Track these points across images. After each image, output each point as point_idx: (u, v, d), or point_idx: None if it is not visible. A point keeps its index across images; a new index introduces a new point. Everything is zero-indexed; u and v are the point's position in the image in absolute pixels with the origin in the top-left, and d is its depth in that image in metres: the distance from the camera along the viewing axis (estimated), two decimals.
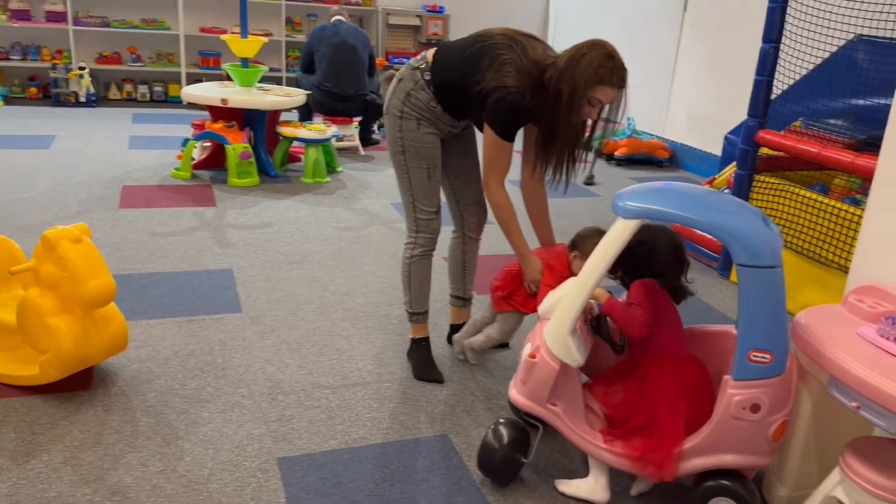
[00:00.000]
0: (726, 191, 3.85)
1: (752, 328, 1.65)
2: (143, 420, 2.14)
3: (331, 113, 5.64)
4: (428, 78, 2.29)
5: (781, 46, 3.28)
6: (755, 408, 1.69)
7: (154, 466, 1.94)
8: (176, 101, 7.21)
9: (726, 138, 4.86)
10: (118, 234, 3.61)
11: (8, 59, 6.95)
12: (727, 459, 1.76)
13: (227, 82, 5.27)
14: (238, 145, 4.58)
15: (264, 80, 5.20)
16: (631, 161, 6.08)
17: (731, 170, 3.93)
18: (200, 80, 6.10)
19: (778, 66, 3.30)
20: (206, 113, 5.04)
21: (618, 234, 1.71)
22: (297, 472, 1.96)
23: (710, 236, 1.67)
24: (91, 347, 2.22)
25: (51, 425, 2.08)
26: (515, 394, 1.90)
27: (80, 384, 2.27)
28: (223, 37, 5.01)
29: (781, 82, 3.37)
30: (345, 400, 2.31)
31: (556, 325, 1.81)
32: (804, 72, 3.38)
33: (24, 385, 2.23)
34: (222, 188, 4.56)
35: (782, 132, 3.36)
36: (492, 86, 2.15)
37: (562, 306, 1.82)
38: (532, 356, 1.84)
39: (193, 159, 4.82)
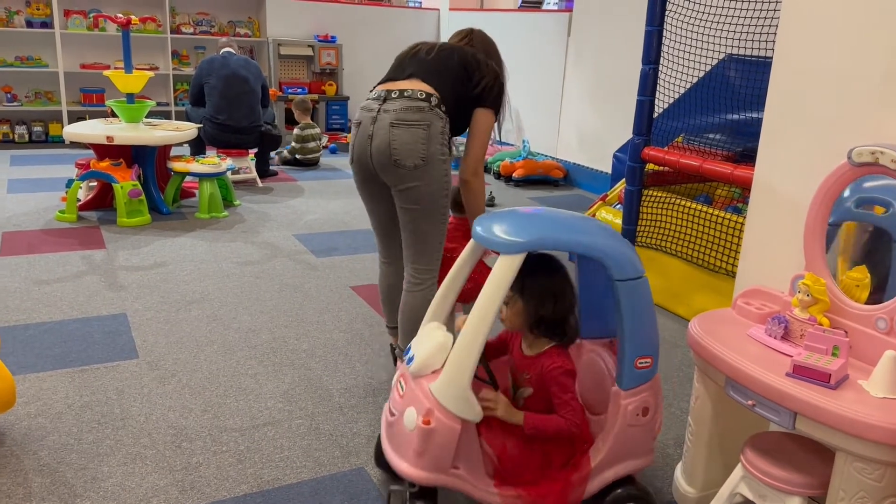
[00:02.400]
0: (618, 206, 4.01)
1: (635, 337, 1.70)
2: (36, 480, 1.99)
3: (225, 145, 5.52)
4: (444, 108, 2.29)
5: (660, 67, 3.46)
6: (645, 411, 1.76)
7: None
8: (58, 141, 6.87)
9: (615, 156, 5.07)
10: (0, 284, 3.38)
11: None
12: (628, 467, 1.81)
13: (112, 119, 5.06)
14: (126, 183, 4.39)
15: (152, 114, 5.03)
16: (528, 181, 6.24)
17: (621, 186, 4.09)
18: (84, 118, 5.84)
19: (658, 85, 3.48)
20: (91, 152, 4.82)
21: (504, 272, 1.61)
22: None
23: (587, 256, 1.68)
24: None
25: None
26: (409, 468, 1.68)
27: None
28: (106, 73, 4.82)
29: (662, 101, 3.55)
30: (254, 441, 2.23)
31: (452, 380, 1.65)
32: (682, 90, 3.57)
33: None
34: (111, 229, 4.35)
35: (666, 148, 3.53)
36: (491, 78, 2.41)
37: (456, 358, 1.65)
38: (426, 422, 1.64)
39: (79, 200, 4.60)
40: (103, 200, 4.69)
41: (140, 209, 4.48)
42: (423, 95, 2.26)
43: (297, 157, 6.49)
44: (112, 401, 2.42)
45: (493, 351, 1.94)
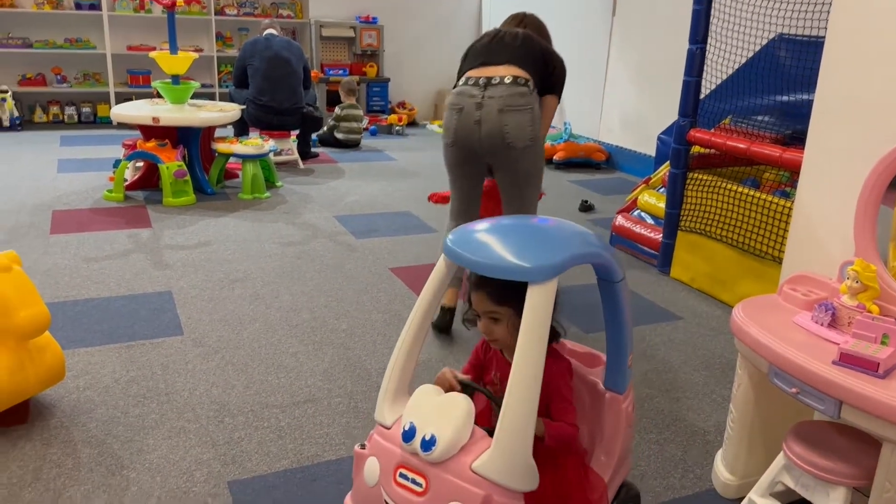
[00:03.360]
0: (661, 190, 3.95)
1: (628, 336, 1.60)
2: (84, 451, 2.06)
3: (267, 127, 5.58)
4: (536, 90, 2.61)
5: (707, 47, 3.39)
6: (633, 408, 1.69)
7: (99, 499, 1.87)
8: (106, 122, 7.02)
9: (659, 138, 4.99)
10: (50, 261, 3.48)
11: None
12: (625, 470, 1.71)
13: (158, 100, 5.16)
14: (172, 164, 4.48)
15: (197, 96, 5.11)
16: (569, 164, 6.18)
17: (665, 169, 4.03)
18: (130, 99, 5.96)
19: (705, 66, 3.41)
20: (138, 132, 4.92)
21: (541, 304, 1.31)
22: (249, 494, 1.92)
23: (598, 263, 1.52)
24: (26, 380, 2.13)
25: None
26: (349, 500, 1.49)
27: (16, 418, 2.18)
28: (152, 54, 4.90)
29: (709, 82, 3.48)
30: (295, 418, 2.27)
31: (512, 450, 1.30)
32: (730, 71, 3.49)
33: None
34: (157, 208, 4.45)
35: (712, 130, 3.46)
36: (561, 67, 2.67)
37: (512, 421, 1.30)
38: (363, 447, 1.42)
39: (126, 180, 4.70)
40: (149, 180, 4.79)
41: (185, 189, 4.56)
42: (523, 81, 2.53)
43: (339, 137, 6.54)
44: (157, 376, 2.49)
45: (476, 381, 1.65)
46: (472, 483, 1.29)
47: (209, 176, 4.92)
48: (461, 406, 1.36)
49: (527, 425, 1.29)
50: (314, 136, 6.36)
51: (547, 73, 2.66)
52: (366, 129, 7.21)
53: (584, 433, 1.67)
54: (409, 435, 1.35)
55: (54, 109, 7.09)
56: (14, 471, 1.96)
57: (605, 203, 5.06)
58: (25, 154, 5.73)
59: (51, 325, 2.18)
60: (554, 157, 6.17)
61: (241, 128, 5.60)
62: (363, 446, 1.46)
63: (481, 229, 1.45)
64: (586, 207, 4.87)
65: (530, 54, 2.61)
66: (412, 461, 1.35)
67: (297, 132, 5.93)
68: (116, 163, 4.74)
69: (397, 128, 7.49)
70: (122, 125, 5.46)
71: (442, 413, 1.36)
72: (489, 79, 2.55)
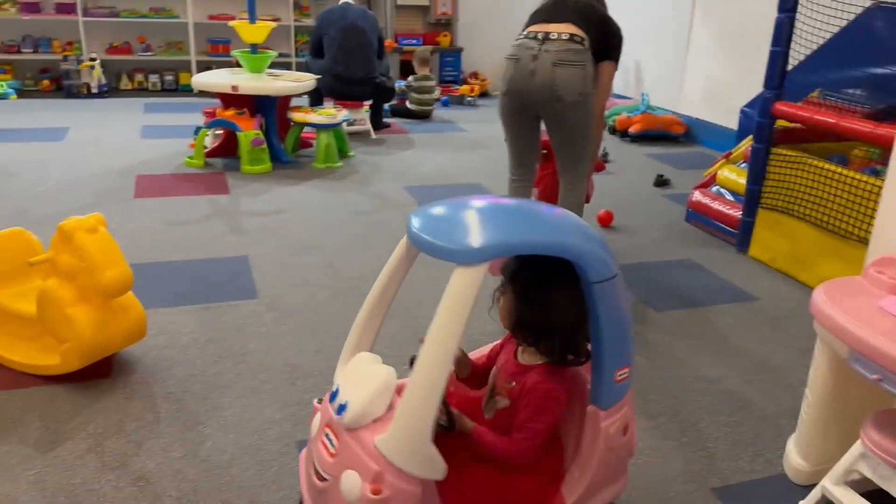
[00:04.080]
0: (742, 165, 3.82)
1: (617, 346, 1.43)
2: (163, 406, 2.16)
3: (341, 97, 5.63)
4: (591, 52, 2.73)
5: (797, 16, 3.23)
6: (625, 429, 1.51)
7: (176, 452, 1.96)
8: (187, 90, 7.22)
9: (742, 111, 4.80)
10: (133, 224, 3.64)
11: (19, 52, 6.99)
12: (605, 497, 1.55)
13: (237, 69, 5.27)
14: (249, 132, 4.58)
15: (274, 65, 5.19)
16: (645, 137, 6.03)
17: (747, 143, 3.89)
18: (210, 68, 6.10)
19: (794, 36, 3.25)
20: (217, 101, 5.05)
21: (464, 289, 1.27)
22: None
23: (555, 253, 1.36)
24: (110, 336, 2.25)
25: (73, 414, 2.11)
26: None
27: (100, 372, 2.30)
28: (231, 23, 5.01)
29: (798, 52, 3.32)
30: None
31: (407, 434, 1.28)
32: (821, 41, 3.32)
33: (46, 374, 2.26)
34: (235, 175, 4.57)
35: (799, 103, 3.31)
36: (618, 34, 2.81)
37: (412, 403, 1.28)
38: (375, 491, 1.28)
39: (206, 147, 4.84)
40: (228, 148, 4.92)
41: (262, 157, 4.67)
42: (579, 39, 2.69)
43: (410, 107, 6.55)
44: (233, 337, 2.58)
45: (481, 368, 1.64)
46: (371, 457, 1.30)
47: (285, 145, 5.02)
48: (379, 379, 1.38)
49: (426, 409, 1.27)
50: (386, 106, 6.39)
51: (604, 39, 2.79)
52: (438, 100, 7.20)
53: (569, 448, 1.56)
54: (332, 397, 1.42)
55: (139, 77, 7.34)
56: (98, 422, 2.08)
57: (681, 178, 4.92)
58: (112, 120, 5.97)
59: (133, 285, 2.28)
60: (630, 130, 6.02)
61: (315, 97, 5.68)
62: (320, 401, 1.52)
63: (447, 206, 1.41)
64: (662, 182, 4.75)
65: (590, 18, 2.76)
66: (334, 422, 1.39)
67: (369, 102, 5.97)
68: (197, 130, 4.88)
69: (469, 98, 7.45)
70: (202, 93, 5.59)
71: (362, 383, 1.39)
72: (547, 34, 2.70)
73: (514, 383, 1.50)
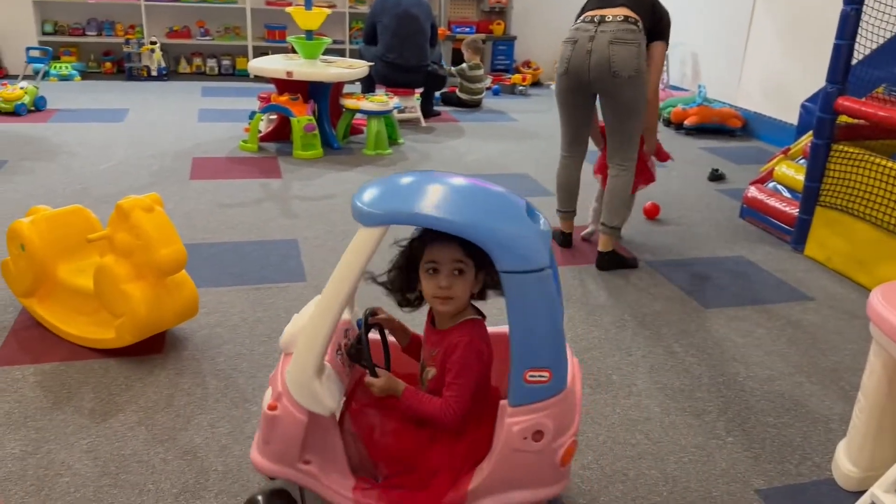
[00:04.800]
0: (801, 161, 3.71)
1: (526, 344, 1.40)
2: (212, 383, 2.22)
3: (393, 84, 5.65)
4: (644, 32, 2.92)
5: (864, 8, 3.11)
6: (538, 435, 1.45)
7: (223, 428, 2.01)
8: (243, 75, 7.34)
9: (803, 106, 4.66)
10: (189, 205, 3.72)
11: (84, 35, 7.20)
12: (514, 498, 1.51)
13: (292, 55, 5.33)
14: (302, 118, 4.64)
15: (328, 52, 5.24)
16: (701, 130, 5.91)
17: (807, 139, 3.77)
18: (266, 53, 6.20)
19: (860, 29, 3.14)
20: (272, 86, 5.12)
21: (359, 247, 1.39)
22: None
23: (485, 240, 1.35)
24: (163, 313, 2.31)
25: (126, 387, 2.18)
26: (258, 456, 1.55)
27: (153, 348, 2.37)
28: (288, 9, 5.06)
29: (863, 47, 3.20)
30: None
31: (297, 366, 1.45)
32: (888, 35, 3.19)
33: (101, 348, 2.34)
34: (287, 160, 4.64)
35: (863, 99, 3.20)
36: (667, 15, 3.01)
37: (302, 341, 1.45)
38: (271, 407, 1.48)
39: (260, 132, 4.91)
40: (282, 133, 4.98)
41: (313, 143, 4.72)
42: (633, 21, 2.87)
43: (461, 96, 6.54)
44: (282, 318, 2.62)
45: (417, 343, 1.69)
46: (280, 379, 1.50)
47: (336, 131, 5.07)
48: (307, 312, 1.56)
49: (309, 350, 1.43)
50: (437, 94, 6.39)
51: (655, 21, 2.96)
52: (488, 89, 7.17)
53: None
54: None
55: (197, 61, 7.48)
56: (150, 396, 2.14)
57: (737, 173, 4.81)
58: (170, 103, 6.11)
59: (187, 264, 2.33)
60: (685, 122, 5.90)
61: (367, 84, 5.71)
62: None
63: (397, 176, 1.49)
64: (716, 176, 4.65)
65: (641, 3, 2.93)
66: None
67: (421, 90, 5.97)
68: (252, 115, 4.96)
69: (520, 88, 7.40)
70: (258, 78, 5.69)
71: (302, 314, 1.59)
72: (603, 17, 2.89)
73: (435, 351, 1.54)
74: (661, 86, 3.06)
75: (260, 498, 1.55)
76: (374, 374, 1.53)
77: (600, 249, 3.21)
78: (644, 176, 3.38)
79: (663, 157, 3.46)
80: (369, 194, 1.42)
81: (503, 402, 1.44)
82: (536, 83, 7.94)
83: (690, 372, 2.42)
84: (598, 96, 3.05)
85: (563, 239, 3.42)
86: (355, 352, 1.59)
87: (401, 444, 1.54)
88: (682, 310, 2.86)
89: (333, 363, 1.54)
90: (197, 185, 4.06)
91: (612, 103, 2.98)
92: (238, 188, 4.03)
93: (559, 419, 1.46)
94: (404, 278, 1.58)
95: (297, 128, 4.63)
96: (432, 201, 1.37)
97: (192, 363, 2.32)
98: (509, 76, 7.60)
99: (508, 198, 1.46)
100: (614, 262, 3.20)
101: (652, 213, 3.87)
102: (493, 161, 4.88)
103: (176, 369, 2.28)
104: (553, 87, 3.38)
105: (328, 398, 1.46)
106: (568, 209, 3.35)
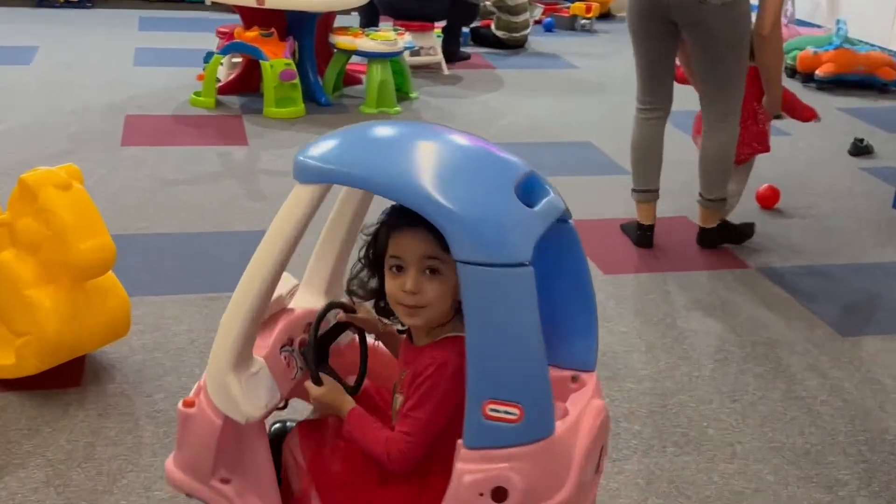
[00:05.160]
0: None
1: (485, 364, 1.38)
2: (148, 429, 2.21)
3: (404, 16, 5.63)
4: None
5: None
6: (500, 494, 1.41)
7: (162, 491, 2.00)
8: (197, 0, 7.36)
9: None
10: (119, 181, 3.73)
11: None
12: None
13: None
14: (278, 61, 4.64)
15: None
16: (840, 83, 5.84)
17: None
18: None
19: None
20: (236, 16, 5.13)
21: (289, 210, 1.47)
22: None
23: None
24: (82, 330, 2.30)
25: (30, 432, 2.17)
26: (171, 464, 1.64)
27: (67, 379, 2.37)
28: None
29: None
30: None
31: (213, 355, 1.53)
32: None
33: None
34: (256, 120, 4.65)
35: None
36: None
37: (220, 330, 1.52)
38: (188, 403, 1.58)
39: (219, 81, 4.93)
40: (248, 83, 5.00)
41: (292, 97, 4.72)
42: None
43: (499, 34, 6.51)
44: None
45: None
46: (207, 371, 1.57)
47: (324, 80, 5.07)
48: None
49: (227, 332, 1.49)
50: (466, 30, 6.37)
51: None
52: (537, 23, 7.13)
53: None
54: None
55: None
56: (62, 445, 2.14)
57: (889, 144, 4.75)
58: (96, 39, 6.15)
59: (116, 263, 2.33)
60: (817, 72, 5.84)
61: (369, 16, 5.70)
62: None
63: (358, 127, 1.56)
64: (861, 149, 4.59)
65: None
66: None
67: (443, 24, 5.95)
68: (208, 56, 4.96)
69: (583, 21, 7.36)
70: (217, 6, 5.71)
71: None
72: None
73: (405, 373, 1.55)
74: (782, 19, 3.03)
75: None
76: (317, 381, 1.58)
77: (702, 224, 3.35)
78: (756, 140, 3.39)
79: (805, 113, 3.48)
80: (319, 145, 1.49)
81: (459, 442, 1.42)
82: (605, 15, 7.89)
83: (821, 426, 2.39)
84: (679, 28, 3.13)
85: (641, 234, 3.44)
86: (315, 353, 1.63)
87: (346, 475, 1.58)
88: (809, 337, 2.83)
89: (273, 360, 1.59)
90: (131, 153, 4.07)
91: (700, 38, 3.07)
92: (187, 158, 4.04)
93: (534, 478, 1.42)
94: (374, 279, 1.61)
95: (271, 75, 4.63)
96: (381, 158, 1.42)
97: (122, 400, 2.32)
98: (567, 5, 7.57)
99: (496, 162, 1.47)
100: (723, 235, 3.34)
101: (769, 201, 3.83)
102: (542, 124, 4.85)
103: (98, 409, 2.28)
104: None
105: (247, 402, 1.51)
106: (646, 187, 3.38)
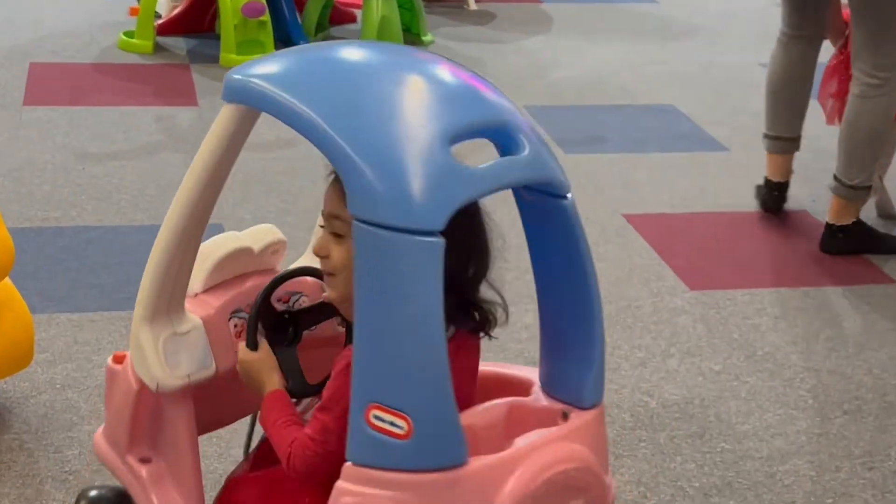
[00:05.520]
0: None
1: (370, 357, 1.45)
2: (57, 497, 2.21)
3: None
4: None
5: None
6: None
7: None
8: None
9: None
10: (20, 154, 3.75)
11: None
12: None
13: None
14: None
15: None
16: None
17: None
18: None
19: None
20: None
21: (211, 133, 1.64)
22: None
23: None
24: None
25: None
26: (99, 433, 1.87)
27: None
28: None
29: None
30: None
31: (138, 308, 1.68)
32: None
33: None
34: (209, 71, 4.66)
35: None
36: None
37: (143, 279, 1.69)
38: (117, 358, 1.80)
39: (159, 16, 4.94)
40: (199, 20, 5.03)
41: (260, 39, 4.73)
42: None
43: None
44: None
45: None
46: None
47: (304, 17, 5.07)
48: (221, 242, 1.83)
49: (144, 279, 1.64)
50: None
51: None
52: None
53: None
54: None
55: None
56: None
57: None
58: None
59: (14, 267, 2.33)
60: None
61: None
62: None
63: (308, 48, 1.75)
64: None
65: None
66: None
67: None
68: None
69: None
70: None
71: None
72: None
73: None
74: None
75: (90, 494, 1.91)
76: (251, 344, 1.69)
77: (829, 220, 3.33)
78: None
79: None
80: (255, 63, 1.61)
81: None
82: None
83: None
84: None
85: (767, 194, 3.52)
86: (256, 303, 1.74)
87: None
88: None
89: (215, 323, 1.72)
90: (36, 114, 4.10)
91: None
92: (114, 123, 4.06)
93: None
94: None
95: (230, 10, 4.63)
96: (309, 89, 1.50)
97: (21, 456, 2.32)
98: None
99: (448, 103, 1.51)
100: (853, 241, 3.32)
101: None
102: (605, 80, 4.85)
103: None
104: None
105: (161, 365, 1.66)
106: (779, 133, 3.44)
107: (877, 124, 3.18)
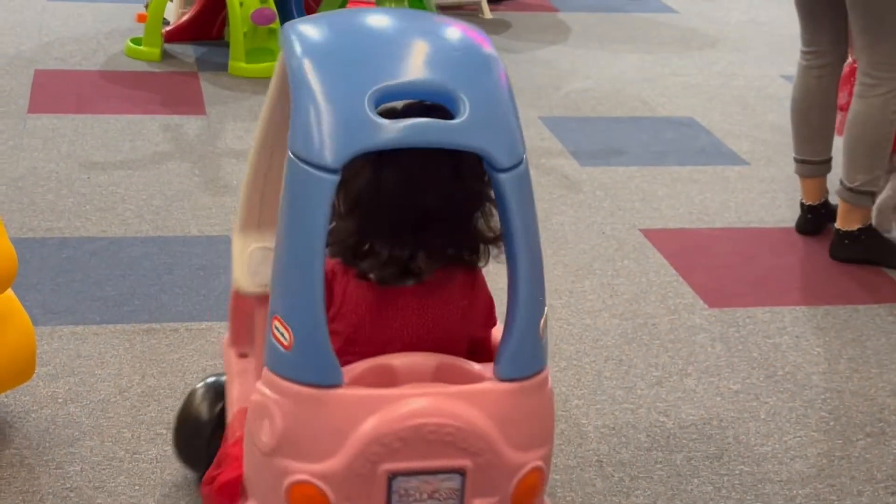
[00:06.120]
0: None
1: (277, 269, 1.67)
2: None
3: None
4: None
5: None
6: (262, 425, 1.68)
7: None
8: None
9: None
10: (24, 163, 3.75)
11: None
12: None
13: None
14: None
15: None
16: None
17: None
18: None
19: None
20: None
21: (280, 55, 1.80)
22: None
23: None
24: None
25: None
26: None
27: None
28: None
29: None
30: None
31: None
32: None
33: None
34: (218, 79, 4.68)
35: None
36: None
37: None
38: None
39: (167, 23, 4.95)
40: (207, 27, 5.04)
41: (270, 47, 4.75)
42: None
43: None
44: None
45: None
46: None
47: None
48: None
49: (243, 188, 2.08)
50: None
51: None
52: None
53: None
54: None
55: None
56: None
57: None
58: None
59: (17, 278, 2.33)
60: None
61: None
62: None
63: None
64: None
65: None
66: None
67: None
68: None
69: None
70: None
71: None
72: None
73: None
74: None
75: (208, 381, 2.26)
76: None
77: (837, 226, 3.35)
78: None
79: None
80: (313, 17, 1.92)
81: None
82: None
83: None
84: None
85: (801, 217, 3.55)
86: None
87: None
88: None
89: None
90: (41, 122, 4.10)
91: None
92: (121, 132, 4.06)
93: (297, 427, 1.63)
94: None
95: (240, 17, 4.65)
96: (320, 45, 1.76)
97: (21, 471, 2.31)
98: None
99: (394, 63, 1.70)
100: (860, 248, 3.34)
101: None
102: (623, 92, 4.85)
103: None
104: None
105: (243, 270, 1.99)
106: (811, 157, 3.47)
107: (875, 125, 3.20)
